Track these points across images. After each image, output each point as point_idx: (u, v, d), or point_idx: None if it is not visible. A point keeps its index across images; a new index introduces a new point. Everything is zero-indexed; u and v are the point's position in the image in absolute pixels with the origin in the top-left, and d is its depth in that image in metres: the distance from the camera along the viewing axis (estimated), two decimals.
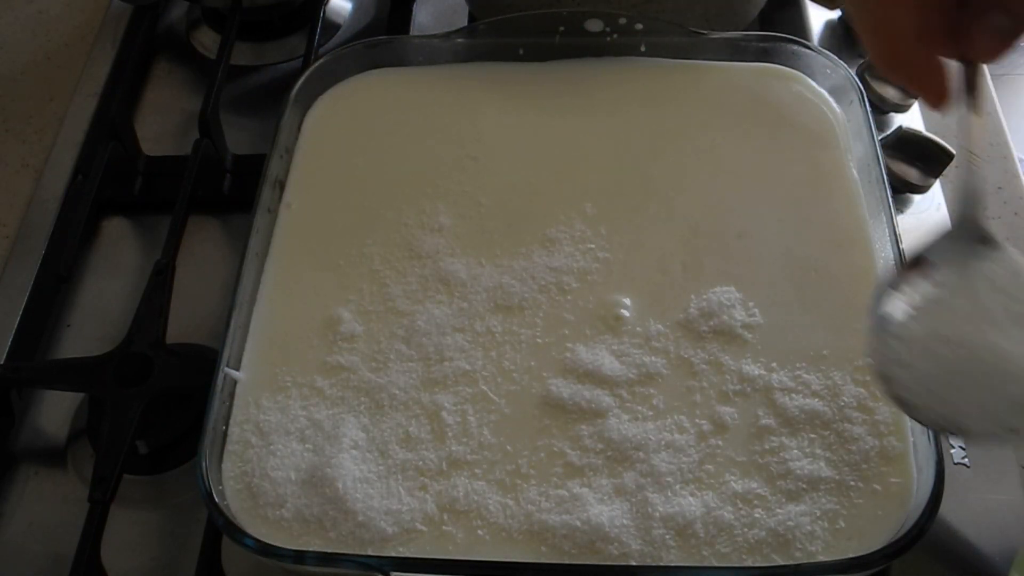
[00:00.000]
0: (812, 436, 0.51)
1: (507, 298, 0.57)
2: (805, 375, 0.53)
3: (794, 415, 0.52)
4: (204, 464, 0.50)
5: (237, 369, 0.55)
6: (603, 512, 0.49)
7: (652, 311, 0.56)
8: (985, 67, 0.42)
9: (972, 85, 0.40)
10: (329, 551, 0.49)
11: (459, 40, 0.68)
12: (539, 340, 0.56)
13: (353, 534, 0.49)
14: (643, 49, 0.67)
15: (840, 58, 0.64)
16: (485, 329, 0.56)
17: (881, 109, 0.71)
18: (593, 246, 0.59)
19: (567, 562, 0.48)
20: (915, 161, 0.68)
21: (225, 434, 0.53)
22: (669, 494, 0.50)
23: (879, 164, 0.58)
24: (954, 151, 0.67)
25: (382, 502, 0.50)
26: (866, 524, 0.48)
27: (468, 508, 0.50)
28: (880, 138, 0.62)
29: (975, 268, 0.37)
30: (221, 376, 0.53)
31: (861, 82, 0.63)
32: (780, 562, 0.48)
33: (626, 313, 0.56)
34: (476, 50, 0.68)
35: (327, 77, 0.68)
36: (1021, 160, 0.75)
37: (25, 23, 0.89)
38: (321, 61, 0.67)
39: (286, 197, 0.63)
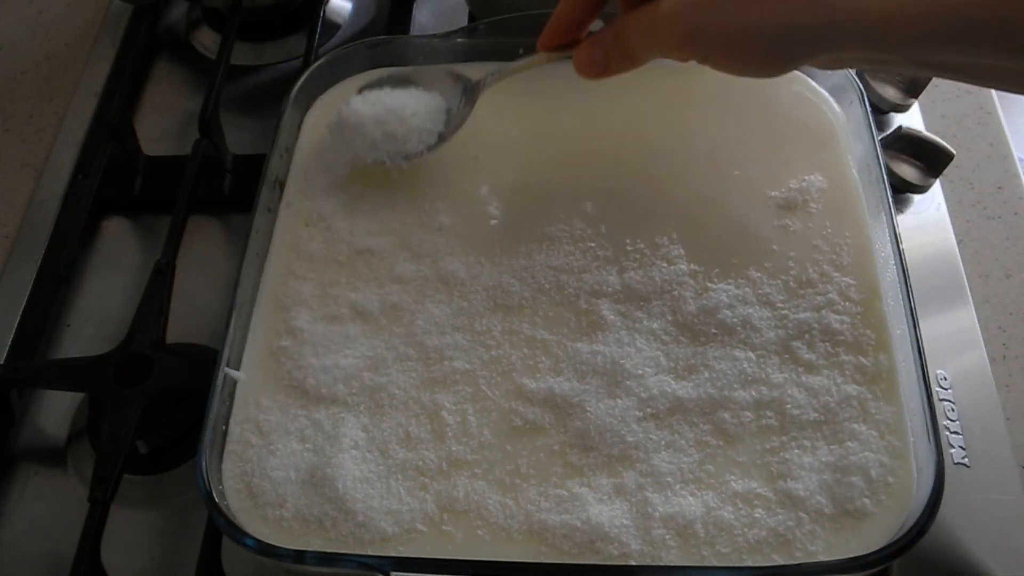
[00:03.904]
0: (813, 436, 0.51)
1: (507, 297, 0.57)
2: (806, 374, 0.53)
3: (795, 415, 0.52)
4: (204, 464, 0.50)
5: (237, 369, 0.55)
6: (603, 512, 0.49)
7: (653, 310, 0.56)
8: None
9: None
10: (329, 551, 0.49)
11: (459, 40, 0.68)
12: (539, 339, 0.56)
13: (353, 534, 0.49)
14: None
15: None
16: (485, 328, 0.56)
17: (881, 109, 0.71)
18: (593, 244, 0.59)
19: (567, 562, 0.48)
20: (915, 161, 0.68)
21: (225, 434, 0.53)
22: (669, 494, 0.50)
23: (879, 164, 0.58)
24: (954, 151, 0.67)
25: (382, 502, 0.50)
26: (866, 524, 0.48)
27: (468, 508, 0.50)
28: (880, 138, 0.62)
29: None
30: (221, 376, 0.53)
31: (861, 82, 0.63)
32: (780, 562, 0.47)
33: (626, 311, 0.56)
34: (476, 50, 0.68)
35: (327, 77, 0.68)
36: (1021, 160, 0.75)
37: (25, 23, 0.89)
38: (321, 61, 0.67)
39: (286, 197, 0.63)
